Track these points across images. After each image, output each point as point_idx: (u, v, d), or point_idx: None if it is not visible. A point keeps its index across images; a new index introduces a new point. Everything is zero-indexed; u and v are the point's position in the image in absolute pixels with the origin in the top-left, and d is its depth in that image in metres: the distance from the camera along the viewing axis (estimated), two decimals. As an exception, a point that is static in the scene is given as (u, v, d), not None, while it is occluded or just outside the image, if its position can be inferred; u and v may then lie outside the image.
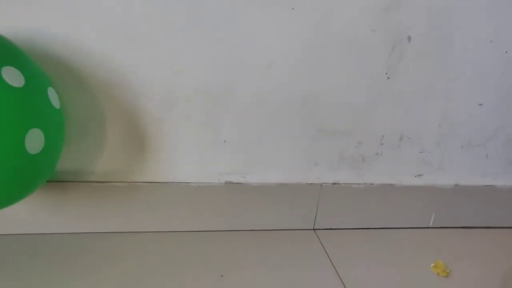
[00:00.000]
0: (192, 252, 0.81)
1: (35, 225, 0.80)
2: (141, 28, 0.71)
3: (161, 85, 0.76)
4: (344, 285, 0.76)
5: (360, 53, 0.81)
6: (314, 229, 0.94)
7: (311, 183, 0.91)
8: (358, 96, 0.84)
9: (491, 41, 0.86)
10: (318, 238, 0.91)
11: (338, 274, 0.79)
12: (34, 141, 0.52)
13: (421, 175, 0.96)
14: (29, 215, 0.79)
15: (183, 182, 0.85)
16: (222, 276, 0.75)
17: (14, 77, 0.51)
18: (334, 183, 0.92)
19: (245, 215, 0.89)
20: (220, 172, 0.86)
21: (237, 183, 0.88)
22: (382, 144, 0.91)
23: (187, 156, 0.83)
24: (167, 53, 0.74)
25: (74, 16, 0.68)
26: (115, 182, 0.82)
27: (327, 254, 0.85)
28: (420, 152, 0.94)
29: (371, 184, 0.94)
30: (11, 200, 0.55)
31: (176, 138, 0.81)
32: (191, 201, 0.86)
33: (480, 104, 0.91)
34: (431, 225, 0.99)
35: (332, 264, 0.82)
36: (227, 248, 0.84)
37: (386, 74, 0.84)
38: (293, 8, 0.74)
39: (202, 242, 0.85)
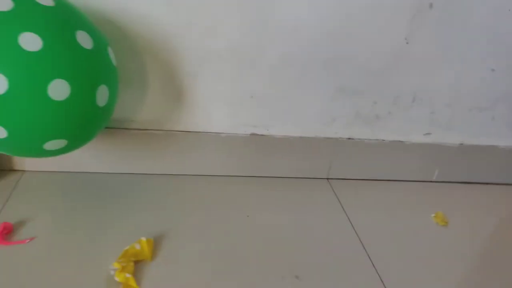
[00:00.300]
0: (221, 194, 0.93)
1: (85, 164, 0.92)
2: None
3: (196, 43, 0.83)
4: (353, 228, 0.88)
5: (382, 19, 0.86)
6: (327, 179, 1.05)
7: (328, 137, 1.00)
8: (376, 59, 0.91)
9: (509, 10, 0.90)
10: (331, 186, 1.02)
11: (348, 218, 0.90)
12: (103, 95, 0.62)
13: (429, 133, 1.04)
14: (81, 156, 0.89)
15: (213, 132, 0.95)
16: (248, 216, 0.86)
17: (85, 40, 0.59)
18: (349, 138, 1.01)
19: (267, 164, 1.00)
20: (246, 124, 0.95)
21: (261, 134, 0.97)
22: (395, 104, 0.98)
23: (217, 109, 0.92)
24: (202, 14, 0.80)
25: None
26: (153, 130, 0.92)
27: (339, 200, 0.96)
28: (431, 113, 1.01)
29: (383, 140, 1.03)
30: (80, 144, 0.66)
31: (208, 92, 0.90)
32: (220, 149, 0.96)
33: (493, 70, 0.97)
34: (434, 179, 1.10)
35: (343, 209, 0.93)
36: (251, 192, 0.95)
37: (405, 39, 0.90)
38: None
39: (230, 185, 0.96)
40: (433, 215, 0.95)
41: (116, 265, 0.66)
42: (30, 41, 0.53)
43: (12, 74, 0.52)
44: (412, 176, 1.08)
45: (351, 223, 0.89)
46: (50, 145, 0.61)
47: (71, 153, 0.81)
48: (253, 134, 0.97)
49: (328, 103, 0.96)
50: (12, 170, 0.90)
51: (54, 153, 0.64)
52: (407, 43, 0.90)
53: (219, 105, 0.92)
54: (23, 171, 0.91)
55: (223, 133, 0.95)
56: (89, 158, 0.91)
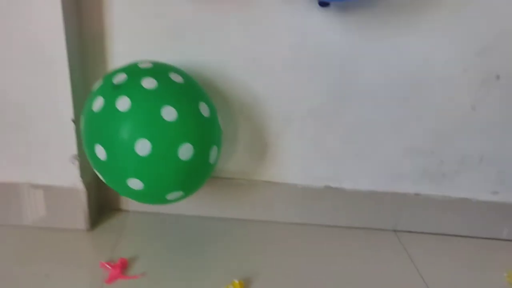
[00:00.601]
0: (297, 241, 1.02)
1: (181, 208, 1.05)
2: (268, 62, 0.91)
3: (282, 107, 0.96)
4: (424, 280, 0.93)
5: (450, 88, 0.95)
6: (395, 231, 1.11)
7: (396, 192, 1.07)
8: (443, 123, 0.99)
9: None
10: (399, 239, 1.08)
11: (418, 271, 0.96)
12: (214, 154, 0.75)
13: (497, 192, 1.08)
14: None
15: (291, 183, 1.06)
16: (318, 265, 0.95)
17: (205, 110, 0.73)
18: (416, 194, 1.08)
19: (339, 214, 1.08)
20: (321, 177, 1.05)
21: (334, 187, 1.06)
22: (462, 163, 1.05)
23: (296, 163, 1.03)
24: (289, 83, 0.93)
25: (221, 53, 0.89)
26: (240, 179, 1.04)
27: (407, 253, 1.02)
28: (498, 172, 1.06)
29: (450, 197, 1.08)
30: (191, 194, 0.79)
31: (289, 148, 1.01)
32: (297, 199, 1.07)
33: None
34: (504, 237, 1.12)
35: (412, 262, 0.99)
36: (324, 240, 1.04)
37: (472, 106, 0.97)
38: (396, 53, 0.91)
39: (305, 233, 1.05)
40: (505, 274, 0.97)
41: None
42: (169, 113, 0.68)
43: (154, 140, 0.67)
44: (480, 233, 1.12)
45: (421, 276, 0.94)
46: (171, 196, 0.74)
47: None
48: (327, 187, 1.06)
49: (396, 160, 1.04)
50: (119, 210, 1.06)
51: (171, 201, 0.77)
52: (473, 109, 0.98)
53: (298, 160, 1.03)
54: (128, 211, 1.06)
55: (299, 184, 1.06)
56: (185, 202, 1.04)
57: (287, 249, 0.98)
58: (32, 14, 0.76)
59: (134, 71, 0.71)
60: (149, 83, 0.69)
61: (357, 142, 1.01)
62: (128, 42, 0.88)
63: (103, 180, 0.76)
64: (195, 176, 0.75)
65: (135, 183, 0.70)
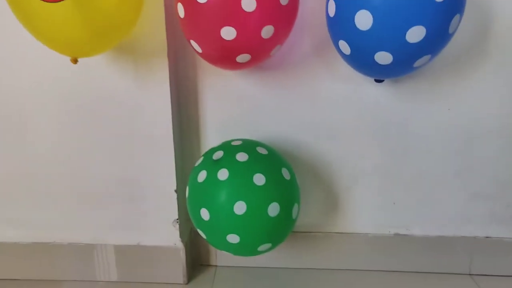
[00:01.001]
0: (373, 286, 1.09)
1: (263, 261, 1.17)
2: (334, 129, 1.05)
3: (350, 164, 1.08)
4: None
5: (503, 141, 1.03)
6: (470, 274, 1.15)
7: (466, 236, 1.13)
8: (503, 170, 1.06)
9: None
10: (475, 282, 1.11)
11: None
12: (295, 211, 0.89)
13: None
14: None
15: (362, 233, 1.15)
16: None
17: (286, 173, 0.88)
18: (487, 237, 1.13)
19: (410, 260, 1.15)
20: (390, 225, 1.14)
21: (403, 234, 1.14)
22: (529, 204, 1.09)
23: (365, 214, 1.13)
24: (355, 145, 1.06)
25: (295, 125, 1.05)
26: (315, 232, 1.16)
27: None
28: None
29: (521, 238, 1.12)
30: (276, 246, 0.92)
31: (359, 201, 1.12)
32: (368, 247, 1.15)
33: None
34: None
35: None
36: (401, 285, 1.10)
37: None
38: (449, 109, 1.02)
39: (380, 279, 1.13)
40: None
41: None
42: (259, 179, 0.83)
43: (249, 201, 0.82)
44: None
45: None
46: (262, 248, 0.88)
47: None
48: (396, 234, 1.14)
49: (463, 206, 1.11)
50: (209, 265, 1.20)
51: (261, 252, 0.90)
52: (532, 152, 1.04)
53: (367, 211, 1.13)
54: (217, 266, 1.20)
55: (370, 233, 1.15)
56: (267, 256, 1.17)
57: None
58: (148, 107, 0.98)
59: (228, 148, 0.89)
60: (241, 156, 0.86)
61: (421, 191, 1.10)
62: (218, 125, 1.06)
63: (205, 238, 0.91)
64: (281, 230, 0.88)
65: (233, 238, 0.84)
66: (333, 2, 0.78)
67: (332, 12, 0.79)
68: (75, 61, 0.81)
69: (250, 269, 1.18)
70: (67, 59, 0.80)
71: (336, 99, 1.03)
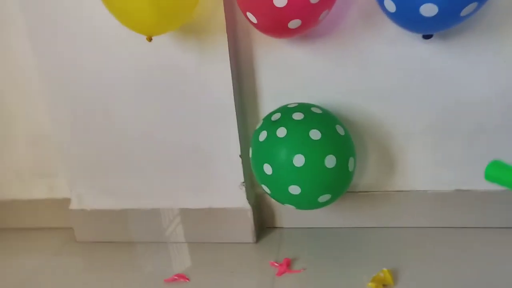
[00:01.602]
0: (434, 244, 1.12)
1: (323, 221, 1.25)
2: (384, 89, 1.09)
3: (404, 124, 1.12)
4: None
5: None
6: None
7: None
8: None
9: None
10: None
11: None
12: (351, 164, 0.96)
13: None
14: (319, 215, 1.23)
15: (421, 190, 1.18)
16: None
17: (340, 130, 0.95)
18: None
19: (473, 215, 1.16)
20: (449, 182, 1.16)
21: (465, 189, 1.15)
22: None
23: (423, 171, 1.16)
24: (403, 104, 1.10)
25: (345, 88, 1.11)
26: (373, 191, 1.20)
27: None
28: None
29: None
30: (336, 198, 0.99)
31: (416, 159, 1.15)
32: (428, 205, 1.18)
33: None
34: None
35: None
36: (462, 241, 1.12)
37: None
38: (504, 61, 1.02)
39: (441, 235, 1.15)
40: None
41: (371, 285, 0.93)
42: (315, 134, 0.91)
43: (307, 154, 0.90)
44: None
45: None
46: (322, 198, 0.95)
47: (314, 212, 1.15)
48: (457, 190, 1.16)
49: (526, 158, 1.09)
50: (274, 227, 1.29)
51: (322, 204, 0.98)
52: None
53: (424, 168, 1.16)
54: (282, 227, 1.29)
55: (430, 190, 1.17)
56: (328, 216, 1.24)
57: (425, 252, 1.09)
58: (212, 81, 1.09)
59: (285, 110, 0.98)
60: (298, 116, 0.94)
61: (480, 146, 1.11)
62: (274, 93, 1.15)
63: (269, 193, 1.00)
64: (339, 181, 0.95)
65: (294, 189, 0.93)
66: (378, -38, 0.83)
67: (376, -28, 0.85)
68: (150, 39, 0.93)
69: (313, 230, 1.25)
70: (142, 39, 0.93)
71: (385, 61, 1.07)
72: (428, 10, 0.81)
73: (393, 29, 1.02)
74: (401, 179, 1.18)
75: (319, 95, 1.12)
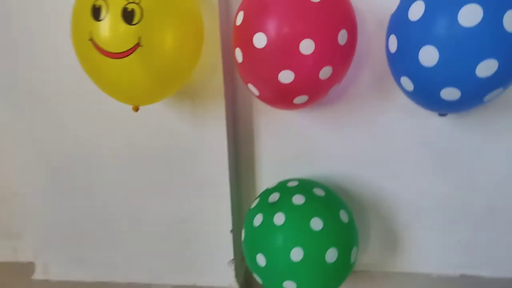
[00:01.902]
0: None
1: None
2: (395, 162, 1.01)
3: (409, 199, 1.03)
4: None
5: None
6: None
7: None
8: None
9: None
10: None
11: None
12: (354, 255, 0.85)
13: None
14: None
15: (425, 273, 1.08)
16: None
17: (344, 216, 0.85)
18: None
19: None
20: (455, 265, 1.07)
21: (470, 275, 1.06)
22: None
23: (428, 252, 1.07)
24: (414, 178, 1.01)
25: (351, 160, 1.02)
26: (373, 271, 1.10)
27: None
28: None
29: None
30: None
31: (421, 239, 1.06)
32: (432, 289, 1.08)
33: None
34: None
35: None
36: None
37: None
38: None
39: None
40: None
41: None
42: (316, 224, 0.81)
43: (306, 247, 0.80)
44: None
45: None
46: (321, 294, 0.85)
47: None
48: (462, 275, 1.07)
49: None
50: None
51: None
52: None
53: (430, 249, 1.07)
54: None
55: (434, 273, 1.08)
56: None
57: None
58: (205, 147, 0.99)
59: (285, 190, 0.88)
60: (298, 199, 0.84)
61: (489, 230, 1.02)
62: (274, 163, 1.05)
63: (261, 282, 0.89)
64: (339, 275, 0.85)
65: (290, 285, 0.82)
66: (395, 38, 0.76)
67: (393, 48, 0.77)
68: (136, 109, 0.83)
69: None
70: (128, 106, 0.83)
71: (397, 133, 0.98)
72: (450, 94, 0.73)
73: (406, 101, 0.93)
74: (403, 259, 1.09)
75: (323, 166, 1.03)
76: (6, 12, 0.96)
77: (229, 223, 1.03)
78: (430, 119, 0.96)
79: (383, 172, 1.02)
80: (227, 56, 0.94)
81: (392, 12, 0.78)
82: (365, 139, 1.00)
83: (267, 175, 1.06)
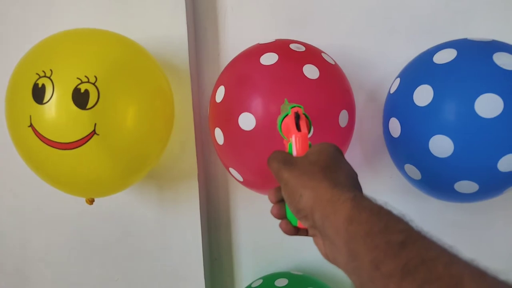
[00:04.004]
0: None
1: None
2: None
3: None
4: None
5: None
6: None
7: None
8: None
9: None
10: None
11: None
12: None
13: None
14: None
15: None
16: None
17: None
18: None
19: None
20: None
21: None
22: None
23: None
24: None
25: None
26: None
27: None
28: None
29: None
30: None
31: None
32: None
33: None
34: None
35: None
36: None
37: None
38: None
39: None
40: None
41: None
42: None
43: None
44: None
45: None
46: None
47: None
48: None
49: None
50: None
51: None
52: None
53: None
54: None
55: None
56: None
57: None
58: (176, 235, 0.84)
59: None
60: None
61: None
62: (252, 253, 0.91)
63: None
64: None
65: None
66: (397, 122, 0.65)
67: (396, 133, 0.66)
68: (91, 202, 0.68)
69: None
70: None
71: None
72: (466, 187, 0.63)
73: (404, 183, 0.83)
74: None
75: (308, 260, 0.89)
76: None
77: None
78: (430, 201, 0.85)
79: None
80: (198, 133, 0.81)
81: (384, 89, 0.70)
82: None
83: (245, 266, 0.91)
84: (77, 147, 0.56)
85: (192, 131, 0.78)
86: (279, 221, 0.45)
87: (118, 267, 0.86)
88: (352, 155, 0.84)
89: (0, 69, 0.70)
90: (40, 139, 0.56)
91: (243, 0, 0.80)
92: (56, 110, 0.56)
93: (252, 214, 0.88)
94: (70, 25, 0.65)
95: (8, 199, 0.85)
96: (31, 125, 0.56)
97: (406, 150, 0.67)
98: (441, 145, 0.60)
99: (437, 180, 0.65)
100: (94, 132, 0.56)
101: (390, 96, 0.70)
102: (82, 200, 0.70)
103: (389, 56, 0.77)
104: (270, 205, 0.46)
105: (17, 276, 0.88)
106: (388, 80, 0.73)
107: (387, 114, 0.69)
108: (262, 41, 0.68)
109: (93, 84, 0.56)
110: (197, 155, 0.79)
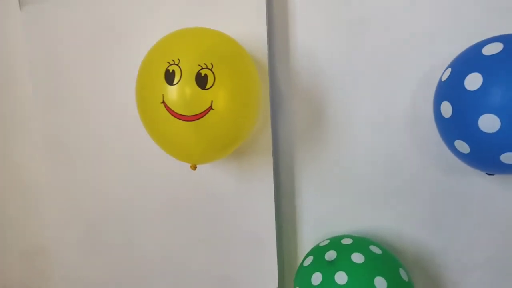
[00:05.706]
0: None
1: None
2: (442, 217, 1.02)
3: (457, 257, 1.03)
4: None
5: None
6: None
7: None
8: None
9: None
10: None
11: None
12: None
13: None
14: None
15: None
16: None
17: (404, 275, 0.85)
18: None
19: None
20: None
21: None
22: None
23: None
24: (461, 235, 1.01)
25: (397, 217, 1.03)
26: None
27: None
28: None
29: None
30: None
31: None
32: None
33: None
34: None
35: None
36: None
37: None
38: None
39: None
40: None
41: None
42: (380, 283, 0.80)
43: None
44: None
45: None
46: None
47: None
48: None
49: None
50: None
51: None
52: None
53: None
54: None
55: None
56: None
57: None
58: (251, 204, 0.99)
59: (340, 247, 0.87)
60: (357, 258, 0.84)
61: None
62: (316, 217, 1.05)
63: None
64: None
65: None
66: (449, 104, 0.79)
67: (447, 113, 0.79)
68: (194, 167, 0.84)
69: None
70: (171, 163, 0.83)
71: (439, 190, 1.00)
72: (510, 158, 0.75)
73: (449, 158, 0.96)
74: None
75: (365, 222, 1.03)
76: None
77: (275, 280, 1.01)
78: (473, 177, 0.98)
79: (427, 228, 1.02)
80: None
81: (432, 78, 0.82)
82: (408, 195, 1.01)
83: (310, 231, 1.05)
84: (197, 119, 0.73)
85: (269, 115, 0.93)
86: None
87: (202, 229, 1.02)
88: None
89: (125, 60, 0.87)
90: (170, 113, 0.73)
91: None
92: (183, 90, 0.72)
93: (316, 183, 1.03)
94: (172, 23, 0.82)
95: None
96: (163, 102, 0.73)
97: (456, 127, 0.80)
98: (489, 122, 0.73)
99: (484, 153, 0.78)
100: (210, 108, 0.73)
101: (442, 83, 0.83)
102: (179, 172, 0.87)
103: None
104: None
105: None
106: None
107: (439, 98, 0.83)
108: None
109: (210, 70, 0.72)
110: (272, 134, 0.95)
